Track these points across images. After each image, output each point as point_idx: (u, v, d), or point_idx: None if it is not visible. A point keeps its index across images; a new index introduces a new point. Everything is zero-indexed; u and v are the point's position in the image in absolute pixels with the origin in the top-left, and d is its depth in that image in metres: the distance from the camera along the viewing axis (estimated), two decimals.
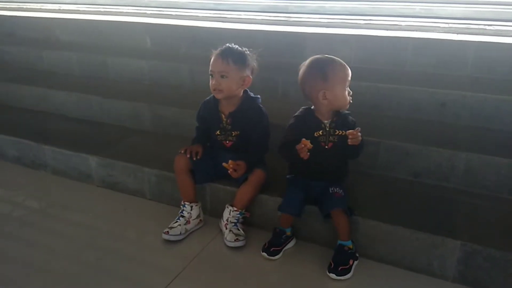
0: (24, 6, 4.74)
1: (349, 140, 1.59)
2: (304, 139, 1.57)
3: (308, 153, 1.57)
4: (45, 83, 3.08)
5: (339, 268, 1.59)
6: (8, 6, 4.83)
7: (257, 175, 1.82)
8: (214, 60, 1.82)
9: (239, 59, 1.82)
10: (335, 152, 1.70)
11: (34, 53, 3.47)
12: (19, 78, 3.23)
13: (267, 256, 1.70)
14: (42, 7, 4.65)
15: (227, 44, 1.86)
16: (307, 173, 1.74)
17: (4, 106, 3.10)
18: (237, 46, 1.87)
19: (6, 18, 4.12)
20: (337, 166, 1.75)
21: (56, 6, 4.66)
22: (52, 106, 2.94)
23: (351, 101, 1.67)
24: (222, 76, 1.80)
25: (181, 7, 4.34)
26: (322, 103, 1.64)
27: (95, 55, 3.22)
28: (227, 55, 1.80)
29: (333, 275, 1.58)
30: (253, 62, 1.86)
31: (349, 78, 1.65)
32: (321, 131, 1.68)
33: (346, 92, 1.65)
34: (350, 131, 1.60)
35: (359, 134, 1.59)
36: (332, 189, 1.69)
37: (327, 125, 1.68)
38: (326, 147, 1.69)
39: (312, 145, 1.57)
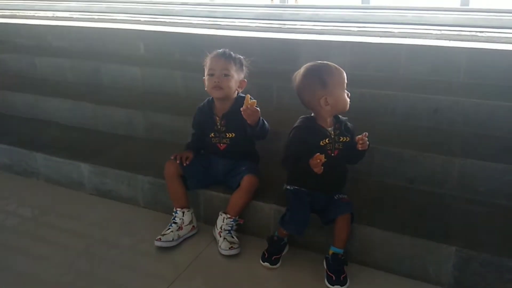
0: (18, 14, 4.73)
1: (359, 146, 1.61)
2: (318, 153, 1.52)
3: (322, 167, 1.54)
4: (37, 90, 3.06)
5: (341, 278, 1.57)
6: (1, 13, 4.81)
7: (249, 181, 1.81)
8: (215, 60, 1.84)
9: (239, 61, 1.87)
10: (341, 159, 1.70)
11: (27, 60, 3.45)
12: (12, 85, 3.21)
13: (270, 266, 1.68)
14: (36, 15, 4.64)
15: (222, 49, 1.88)
16: (314, 184, 1.69)
17: None
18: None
19: None
20: (342, 174, 1.75)
21: (49, 14, 4.65)
22: (44, 113, 2.92)
23: (348, 102, 1.67)
24: (224, 75, 1.81)
25: (176, 14, 4.35)
26: (325, 109, 1.63)
27: (88, 62, 3.21)
28: (229, 55, 1.84)
29: (338, 287, 1.56)
30: (245, 68, 1.90)
31: (346, 81, 1.65)
32: (327, 139, 1.65)
33: (345, 95, 1.64)
34: (359, 136, 1.61)
35: (366, 138, 1.61)
36: (337, 196, 1.69)
37: (332, 132, 1.67)
38: (333, 155, 1.66)
39: (326, 159, 1.53)
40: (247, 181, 1.80)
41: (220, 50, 1.87)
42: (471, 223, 1.72)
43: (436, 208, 1.82)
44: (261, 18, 3.98)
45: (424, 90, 2.31)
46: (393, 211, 1.79)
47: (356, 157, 1.72)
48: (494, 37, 2.87)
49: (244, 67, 1.89)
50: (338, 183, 1.74)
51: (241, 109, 1.69)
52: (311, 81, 1.63)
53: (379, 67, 2.63)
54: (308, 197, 1.69)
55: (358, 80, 2.47)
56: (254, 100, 1.68)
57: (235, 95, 1.90)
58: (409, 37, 2.91)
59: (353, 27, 3.35)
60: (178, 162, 1.87)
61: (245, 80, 1.91)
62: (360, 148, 1.62)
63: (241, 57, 1.90)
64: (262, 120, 1.78)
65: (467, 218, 1.75)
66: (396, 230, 1.64)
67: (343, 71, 1.65)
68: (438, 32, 3.05)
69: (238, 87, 1.89)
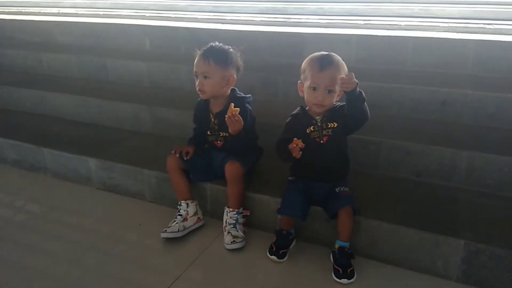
0: (24, 10, 4.74)
1: (343, 85, 1.51)
2: (295, 138, 1.57)
3: (300, 152, 1.57)
4: (44, 86, 3.08)
5: (348, 271, 1.57)
6: (7, 10, 4.83)
7: (229, 170, 1.79)
8: (196, 61, 1.83)
9: (221, 59, 1.81)
10: (332, 146, 1.68)
11: (33, 56, 3.46)
12: (18, 81, 3.23)
13: (277, 259, 1.68)
14: (41, 11, 4.65)
15: (211, 43, 1.86)
16: (308, 173, 1.72)
17: (4, 110, 3.10)
18: (220, 44, 1.86)
19: (5, 22, 4.12)
20: (337, 163, 1.73)
21: (55, 10, 4.66)
22: (51, 109, 2.93)
23: (316, 103, 1.62)
24: (205, 77, 1.80)
25: (180, 9, 4.34)
26: (302, 96, 1.69)
27: (94, 58, 3.22)
28: (208, 55, 1.80)
29: (345, 280, 1.56)
30: (237, 60, 1.85)
31: (320, 80, 1.59)
32: (312, 126, 1.68)
33: (315, 93, 1.60)
34: (340, 76, 1.52)
35: (354, 79, 1.48)
36: (338, 188, 1.68)
37: (319, 120, 1.68)
38: (321, 142, 1.67)
39: (304, 144, 1.57)
40: (227, 170, 1.80)
41: (206, 48, 1.84)
42: (479, 216, 1.71)
43: (443, 201, 1.81)
44: (266, 12, 3.95)
45: (431, 83, 2.29)
46: (400, 204, 1.79)
47: (352, 110, 1.58)
48: (502, 29, 2.83)
49: (231, 61, 1.82)
50: (333, 171, 1.72)
51: (226, 116, 1.70)
52: (302, 66, 1.69)
53: (386, 60, 2.61)
54: (305, 186, 1.71)
55: (365, 73, 2.45)
56: (237, 108, 1.70)
57: (228, 92, 1.87)
58: (416, 30, 2.89)
59: (359, 20, 3.32)
60: (177, 156, 1.88)
61: (234, 75, 1.84)
62: (345, 90, 1.52)
63: (230, 50, 1.84)
64: (244, 135, 1.77)
65: (475, 211, 1.74)
66: (404, 223, 1.64)
67: (326, 69, 1.58)
68: (445, 25, 3.01)
69: (227, 84, 1.84)
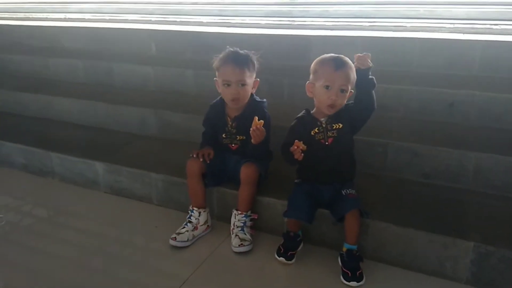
0: (31, 16, 4.79)
1: (356, 64, 1.55)
2: (296, 140, 1.57)
3: (302, 154, 1.57)
4: (51, 90, 3.10)
5: (357, 274, 1.56)
6: (14, 16, 4.88)
7: (245, 172, 1.79)
8: (230, 69, 1.79)
9: (252, 64, 1.83)
10: (337, 148, 1.68)
11: (40, 62, 3.49)
12: (26, 86, 3.25)
13: (285, 261, 1.67)
14: (48, 17, 4.69)
15: (230, 49, 1.85)
16: (314, 176, 1.72)
17: (11, 114, 3.12)
18: (237, 49, 1.86)
19: (12, 28, 4.16)
20: (343, 164, 1.72)
21: (62, 16, 4.70)
22: (58, 113, 2.95)
23: (329, 103, 1.62)
24: (242, 85, 1.79)
25: (186, 13, 4.36)
26: (310, 96, 1.69)
27: (101, 62, 3.23)
28: (242, 63, 1.79)
29: (354, 283, 1.55)
30: (257, 64, 1.87)
31: (335, 79, 1.59)
32: (317, 128, 1.68)
33: (329, 92, 1.61)
34: (356, 55, 1.55)
35: (369, 60, 1.53)
36: (345, 191, 1.67)
37: (323, 121, 1.68)
38: (327, 143, 1.67)
39: (305, 146, 1.57)
40: (243, 172, 1.79)
41: (229, 53, 1.82)
42: (488, 218, 1.70)
43: (451, 203, 1.79)
44: (271, 15, 3.96)
45: (438, 84, 2.28)
46: (408, 207, 1.78)
47: (361, 96, 1.61)
48: (508, 29, 2.81)
49: (255, 66, 1.85)
50: (339, 173, 1.72)
51: (250, 130, 1.69)
52: (312, 67, 1.69)
53: (392, 61, 2.60)
54: (312, 189, 1.71)
55: (371, 75, 2.45)
56: (261, 121, 1.69)
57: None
58: (422, 31, 2.87)
59: (365, 22, 3.32)
60: (201, 160, 1.86)
61: (258, 79, 1.88)
62: (357, 66, 1.54)
63: (251, 54, 1.85)
64: (264, 141, 1.77)
65: (484, 213, 1.73)
66: (412, 226, 1.63)
67: (340, 69, 1.59)
68: (451, 26, 3.00)
69: (252, 88, 1.87)
